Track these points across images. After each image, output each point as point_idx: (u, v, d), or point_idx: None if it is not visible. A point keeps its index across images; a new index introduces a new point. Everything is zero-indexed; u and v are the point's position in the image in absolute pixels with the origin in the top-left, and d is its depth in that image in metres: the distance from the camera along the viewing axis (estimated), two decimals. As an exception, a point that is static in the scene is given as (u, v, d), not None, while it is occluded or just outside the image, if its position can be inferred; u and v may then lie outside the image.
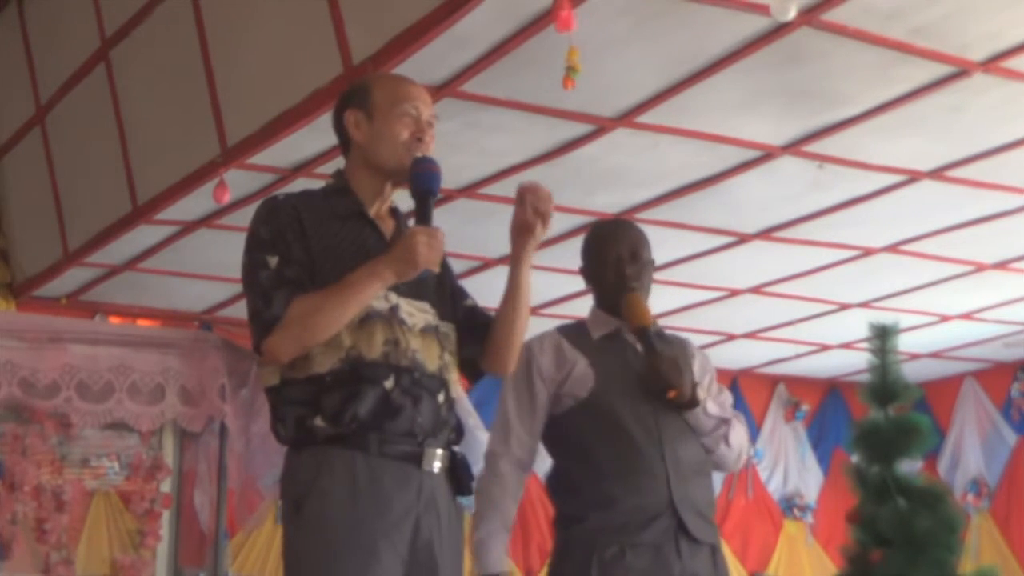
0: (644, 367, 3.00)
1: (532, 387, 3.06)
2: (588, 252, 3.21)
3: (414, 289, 2.50)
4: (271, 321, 2.39)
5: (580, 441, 3.02)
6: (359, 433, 2.39)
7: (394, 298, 2.46)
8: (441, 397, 2.50)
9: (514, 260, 2.63)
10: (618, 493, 2.94)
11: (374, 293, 2.41)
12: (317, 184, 5.66)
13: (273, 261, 2.43)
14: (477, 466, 8.53)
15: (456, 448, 2.55)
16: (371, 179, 2.58)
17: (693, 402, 3.01)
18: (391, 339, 2.43)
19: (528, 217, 2.55)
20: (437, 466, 2.46)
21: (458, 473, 2.52)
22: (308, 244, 2.45)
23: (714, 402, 3.11)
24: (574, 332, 3.15)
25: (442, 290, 2.62)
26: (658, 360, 2.98)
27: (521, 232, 2.59)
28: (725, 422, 3.09)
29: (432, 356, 2.50)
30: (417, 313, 2.51)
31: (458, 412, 2.58)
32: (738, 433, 3.12)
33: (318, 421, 2.40)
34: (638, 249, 3.13)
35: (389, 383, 2.41)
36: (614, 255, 3.11)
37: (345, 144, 2.65)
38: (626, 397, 3.01)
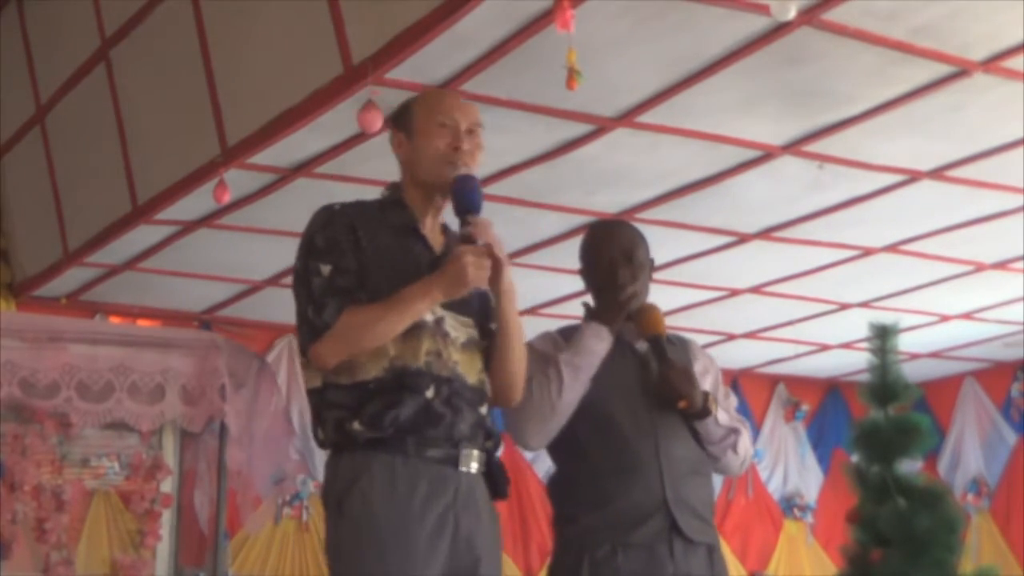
0: (655, 376, 3.01)
1: (555, 352, 3.04)
2: (584, 254, 3.20)
3: (459, 304, 2.56)
4: (321, 328, 2.46)
5: (575, 441, 3.02)
6: (397, 437, 2.45)
7: (440, 311, 2.52)
8: (483, 409, 2.57)
9: (493, 296, 2.63)
10: (611, 492, 2.94)
11: (424, 310, 2.47)
12: (317, 184, 5.70)
13: (327, 269, 2.49)
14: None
15: (494, 454, 2.61)
16: (420, 194, 2.62)
17: (704, 412, 3.01)
18: (434, 350, 2.50)
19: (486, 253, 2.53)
20: (475, 467, 2.53)
21: (495, 477, 2.59)
22: (361, 255, 2.51)
23: (724, 411, 3.11)
24: (573, 334, 3.14)
25: (483, 308, 2.65)
26: (670, 370, 2.99)
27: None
28: (734, 431, 3.09)
29: (473, 369, 2.56)
30: (460, 327, 2.56)
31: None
32: (744, 440, 3.13)
33: (356, 425, 2.46)
34: (632, 250, 3.10)
35: (430, 392, 2.48)
36: (607, 257, 3.09)
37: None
38: (621, 397, 3.01)
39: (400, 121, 2.66)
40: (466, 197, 2.52)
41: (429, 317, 2.50)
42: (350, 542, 2.45)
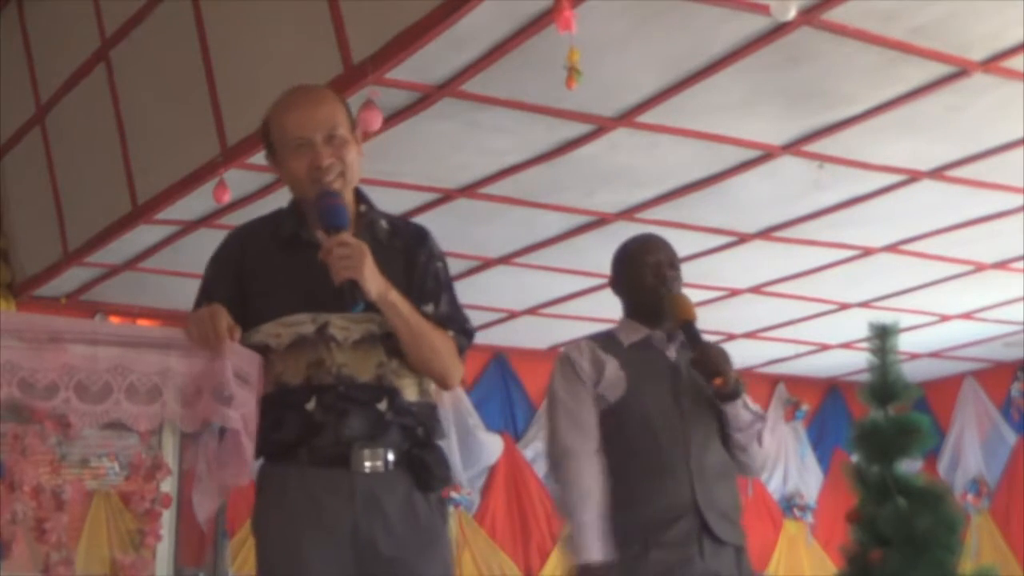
0: (694, 355, 3.08)
1: (582, 383, 3.12)
2: (624, 261, 3.29)
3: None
4: None
5: (609, 443, 3.08)
6: (289, 450, 2.48)
7: (324, 316, 2.48)
8: (383, 404, 2.49)
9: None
10: (642, 494, 3.01)
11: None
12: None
13: (202, 299, 2.60)
14: (477, 466, 8.54)
15: (417, 447, 2.52)
16: (311, 209, 2.57)
17: (736, 392, 3.07)
18: (315, 360, 2.47)
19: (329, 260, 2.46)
20: (368, 466, 2.46)
21: (415, 470, 2.50)
22: (239, 282, 2.56)
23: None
24: (605, 340, 3.22)
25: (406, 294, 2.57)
26: (707, 348, 3.06)
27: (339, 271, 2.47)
28: (761, 418, 3.16)
29: (367, 366, 2.49)
30: (353, 326, 2.50)
31: (438, 412, 2.60)
32: (766, 436, 3.20)
33: (264, 440, 2.48)
34: (675, 260, 3.26)
35: (311, 404, 2.46)
36: (654, 260, 3.22)
37: None
38: (655, 401, 3.08)
39: (266, 145, 2.63)
40: (325, 216, 2.48)
41: (311, 327, 2.47)
42: (258, 552, 2.51)
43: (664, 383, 3.11)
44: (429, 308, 2.56)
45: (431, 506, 2.52)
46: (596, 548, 2.95)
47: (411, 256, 2.58)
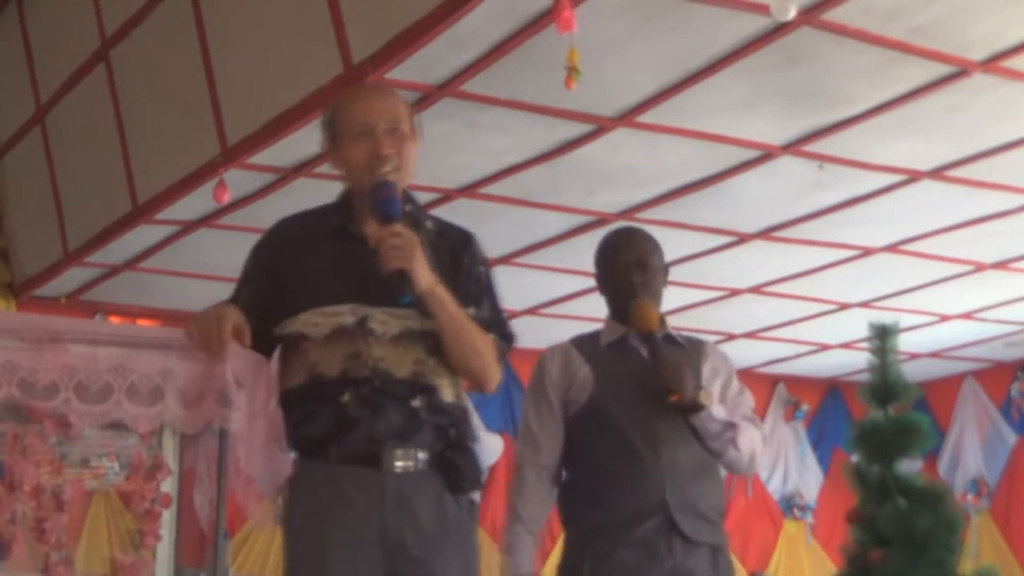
0: (649, 371, 3.02)
1: (547, 396, 3.11)
2: (599, 261, 3.25)
3: (394, 297, 2.48)
4: None
5: (579, 444, 3.06)
6: (320, 445, 2.46)
7: (365, 309, 2.47)
8: (418, 401, 2.48)
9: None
10: (612, 495, 2.98)
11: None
12: (317, 184, 5.70)
13: (242, 284, 2.70)
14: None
15: (449, 449, 2.52)
16: (363, 198, 2.58)
17: (696, 406, 3.01)
18: (352, 352, 2.46)
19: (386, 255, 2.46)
20: (400, 466, 2.45)
21: (447, 472, 2.50)
22: (279, 274, 2.57)
23: (723, 406, 3.11)
24: (586, 341, 3.19)
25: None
26: (661, 364, 3.00)
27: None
28: (731, 426, 3.07)
29: (404, 362, 2.49)
30: (393, 320, 2.49)
31: (471, 414, 2.60)
32: (749, 436, 3.11)
33: (292, 432, 2.49)
34: (646, 257, 3.15)
35: (345, 397, 2.45)
36: (623, 263, 3.14)
37: None
38: (623, 400, 3.04)
39: (326, 135, 2.65)
40: (380, 206, 2.49)
41: (351, 318, 2.46)
42: (285, 556, 2.52)
43: (635, 382, 3.04)
44: (471, 311, 2.55)
45: (461, 508, 2.52)
46: (519, 563, 3.03)
47: (456, 258, 2.58)
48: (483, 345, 2.53)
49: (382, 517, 2.42)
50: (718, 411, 3.07)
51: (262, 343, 2.52)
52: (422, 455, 2.46)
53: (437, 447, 2.49)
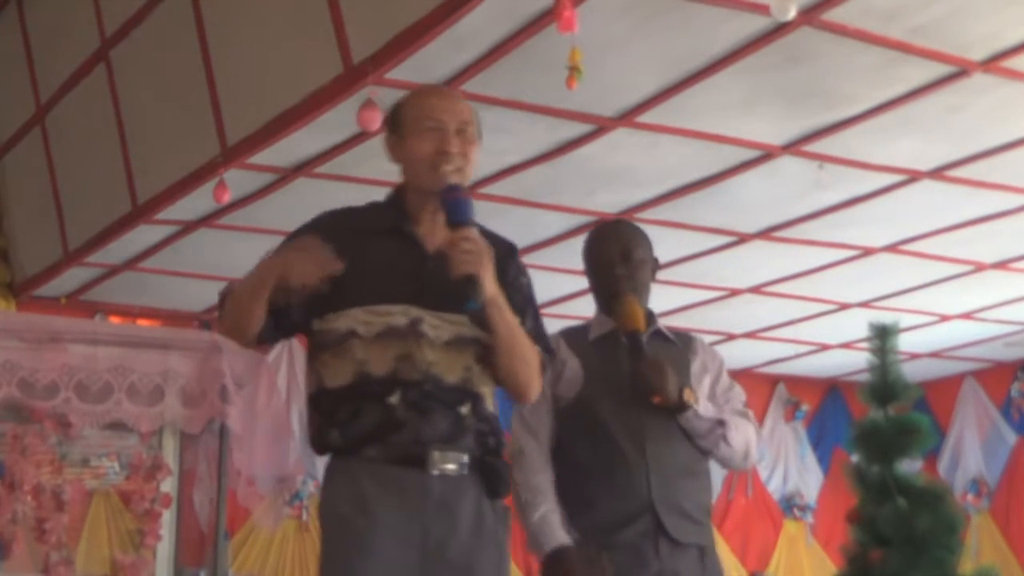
0: (631, 371, 2.99)
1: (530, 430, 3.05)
2: (585, 253, 3.22)
3: (448, 302, 2.48)
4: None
5: (565, 442, 3.02)
6: (363, 444, 2.43)
7: (417, 311, 2.46)
8: (465, 408, 2.48)
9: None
10: (598, 494, 2.94)
11: (268, 277, 2.44)
12: (317, 184, 5.69)
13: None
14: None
15: (489, 455, 2.52)
16: (417, 195, 2.57)
17: (681, 406, 2.98)
18: (404, 353, 2.44)
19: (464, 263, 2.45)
20: (447, 468, 2.44)
21: (487, 476, 2.50)
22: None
23: (714, 403, 3.09)
24: (575, 334, 3.15)
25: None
26: (642, 364, 2.97)
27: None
28: (720, 423, 3.05)
29: (455, 368, 2.48)
30: (445, 326, 2.49)
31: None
32: (741, 432, 3.08)
33: (334, 433, 2.45)
34: (630, 249, 3.10)
35: (394, 398, 2.42)
36: (606, 257, 3.11)
37: None
38: (611, 398, 3.00)
39: (391, 123, 2.63)
40: (452, 209, 2.48)
41: (403, 319, 2.44)
42: (323, 547, 2.47)
43: (623, 379, 3.00)
44: (518, 321, 2.57)
45: (497, 514, 2.52)
46: (560, 534, 2.88)
47: (501, 268, 2.54)
48: (532, 356, 2.55)
49: (424, 519, 2.41)
50: (705, 408, 3.04)
51: (280, 328, 2.52)
52: (465, 459, 2.46)
53: (477, 453, 2.49)
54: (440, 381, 2.46)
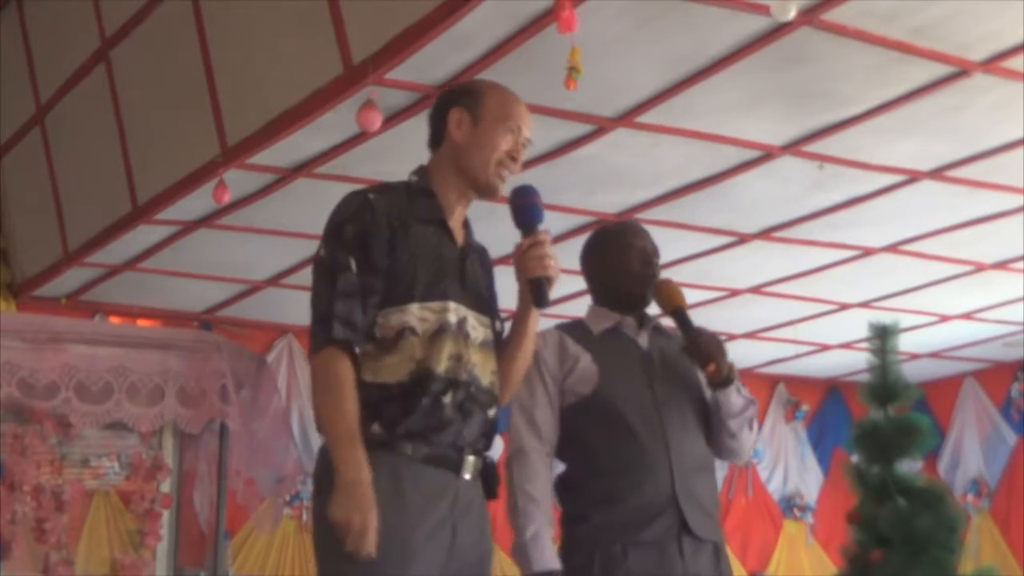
0: (686, 342, 3.06)
1: (543, 381, 3.04)
2: (604, 246, 3.21)
3: (481, 302, 2.53)
4: (340, 332, 2.37)
5: (583, 438, 3.00)
6: (405, 441, 2.40)
7: (464, 310, 2.47)
8: (492, 412, 2.51)
9: (525, 309, 2.58)
10: (620, 490, 2.92)
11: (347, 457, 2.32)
12: (317, 184, 5.69)
13: (354, 264, 2.40)
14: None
15: (487, 454, 2.55)
16: (457, 183, 2.56)
17: (729, 379, 3.02)
18: (455, 353, 2.44)
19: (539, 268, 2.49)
20: (472, 474, 2.48)
21: (488, 478, 2.53)
22: (392, 249, 2.43)
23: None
24: (575, 329, 3.14)
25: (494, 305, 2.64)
26: (699, 336, 3.04)
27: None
28: (753, 403, 3.09)
29: (487, 370, 2.51)
30: (480, 327, 2.51)
31: None
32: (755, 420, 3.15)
33: (375, 427, 2.39)
34: (657, 249, 3.21)
35: (447, 398, 2.42)
36: (641, 245, 3.16)
37: (437, 139, 2.61)
38: (629, 392, 3.00)
39: (467, 101, 2.59)
40: (524, 212, 2.52)
41: (453, 318, 2.43)
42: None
43: (637, 372, 3.03)
44: (498, 327, 2.62)
45: (487, 515, 2.55)
46: (552, 558, 2.86)
47: (488, 269, 2.64)
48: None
49: (453, 521, 2.42)
50: (743, 387, 3.08)
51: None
52: (478, 462, 2.49)
53: (482, 453, 2.52)
54: (479, 383, 2.48)
